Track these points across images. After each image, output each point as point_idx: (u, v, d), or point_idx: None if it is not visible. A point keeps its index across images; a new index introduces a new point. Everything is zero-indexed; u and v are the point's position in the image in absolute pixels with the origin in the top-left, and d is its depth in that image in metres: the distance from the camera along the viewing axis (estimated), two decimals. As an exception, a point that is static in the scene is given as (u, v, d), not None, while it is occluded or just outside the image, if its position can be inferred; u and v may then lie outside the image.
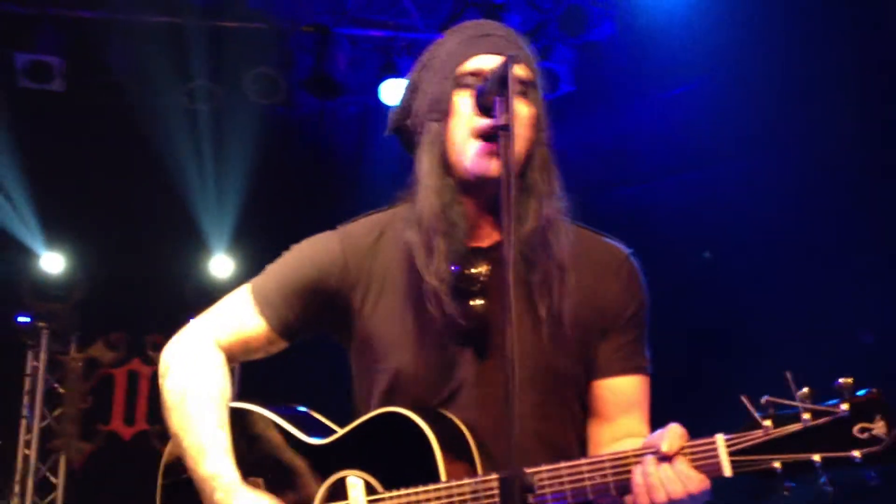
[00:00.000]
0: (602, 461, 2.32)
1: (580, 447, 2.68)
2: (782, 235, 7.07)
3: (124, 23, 7.62)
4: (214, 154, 8.26)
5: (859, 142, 6.95)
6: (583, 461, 2.34)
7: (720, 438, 2.22)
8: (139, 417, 9.14)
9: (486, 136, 2.50)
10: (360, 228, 2.78)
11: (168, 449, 2.79)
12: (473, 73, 2.58)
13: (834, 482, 2.14)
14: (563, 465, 2.33)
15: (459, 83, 2.60)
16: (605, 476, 2.30)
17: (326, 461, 2.61)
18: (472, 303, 2.61)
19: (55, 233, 8.73)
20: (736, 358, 6.94)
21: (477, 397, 2.56)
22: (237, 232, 8.68)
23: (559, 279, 2.57)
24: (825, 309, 6.75)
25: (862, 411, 2.11)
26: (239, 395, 2.79)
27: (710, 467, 2.23)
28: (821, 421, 2.13)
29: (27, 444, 8.87)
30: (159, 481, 2.81)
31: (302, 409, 2.84)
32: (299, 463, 2.63)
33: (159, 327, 7.77)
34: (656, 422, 2.64)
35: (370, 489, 2.52)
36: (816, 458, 2.13)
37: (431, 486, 2.43)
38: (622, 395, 2.66)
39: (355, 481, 2.53)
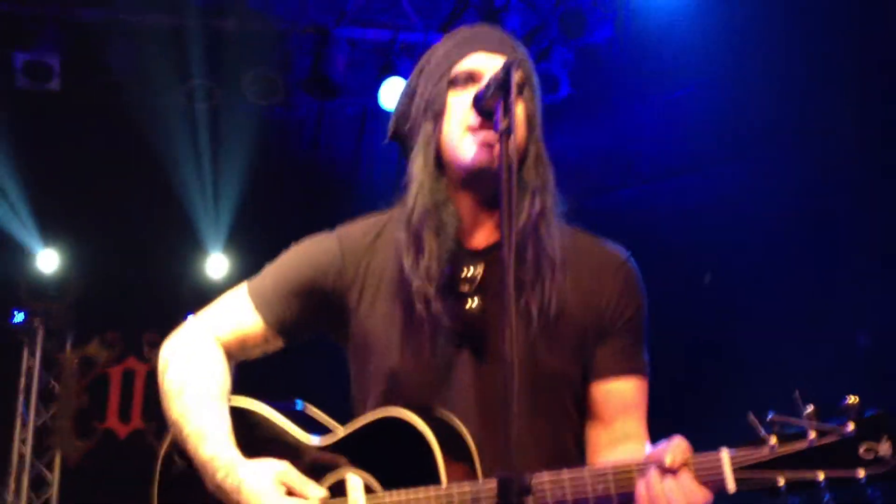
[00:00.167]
0: (605, 471, 2.31)
1: (577, 448, 2.67)
2: (782, 237, 7.07)
3: (123, 23, 7.62)
4: (212, 154, 8.25)
5: (859, 142, 6.95)
6: (585, 470, 2.33)
7: (725, 453, 2.20)
8: (135, 415, 9.14)
9: (483, 130, 2.50)
10: (358, 229, 2.79)
11: (165, 442, 2.78)
12: (467, 73, 2.60)
13: (838, 500, 2.14)
14: (565, 473, 2.32)
15: (454, 83, 2.61)
16: (607, 486, 2.29)
17: (326, 461, 2.61)
18: (466, 304, 2.61)
19: (51, 231, 8.71)
20: (735, 359, 6.94)
21: (473, 398, 2.56)
22: (233, 232, 8.67)
23: (550, 275, 2.56)
24: (825, 309, 6.75)
25: (868, 431, 2.10)
26: (237, 392, 2.78)
27: (713, 482, 2.21)
28: (826, 440, 2.12)
29: (23, 442, 8.87)
30: (156, 473, 2.79)
31: (300, 404, 2.84)
32: (299, 462, 2.61)
33: (155, 326, 7.78)
34: (656, 422, 2.64)
35: (370, 489, 2.52)
36: (821, 476, 2.12)
37: (432, 488, 2.42)
38: (620, 397, 2.64)
39: (355, 481, 2.53)
